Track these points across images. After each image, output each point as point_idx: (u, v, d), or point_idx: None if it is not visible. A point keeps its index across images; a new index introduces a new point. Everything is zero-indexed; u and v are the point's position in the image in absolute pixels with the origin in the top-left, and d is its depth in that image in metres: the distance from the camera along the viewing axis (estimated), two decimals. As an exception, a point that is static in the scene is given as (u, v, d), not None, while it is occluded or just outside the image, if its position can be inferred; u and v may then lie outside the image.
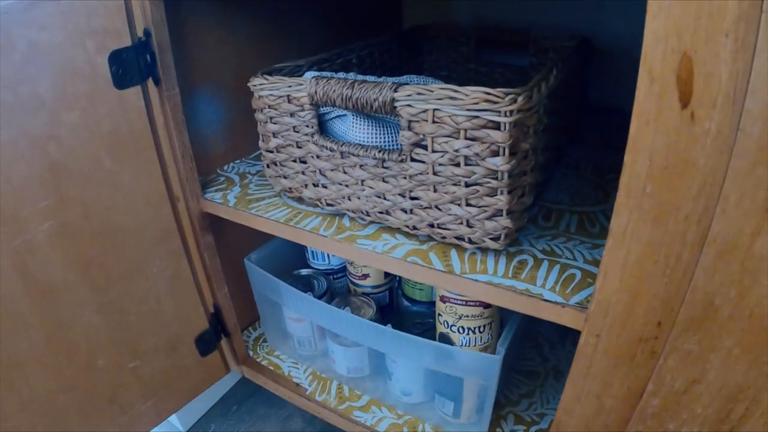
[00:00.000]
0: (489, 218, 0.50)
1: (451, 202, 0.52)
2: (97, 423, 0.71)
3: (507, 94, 0.44)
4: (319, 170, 0.62)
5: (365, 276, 0.84)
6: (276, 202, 0.71)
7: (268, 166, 0.69)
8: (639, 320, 0.43)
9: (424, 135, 0.49)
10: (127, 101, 0.62)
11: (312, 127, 0.58)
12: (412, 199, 0.55)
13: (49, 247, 0.59)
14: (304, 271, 0.89)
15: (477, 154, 0.47)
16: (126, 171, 0.65)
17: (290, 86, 0.57)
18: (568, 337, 0.91)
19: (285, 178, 0.67)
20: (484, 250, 0.57)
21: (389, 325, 0.68)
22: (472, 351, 0.66)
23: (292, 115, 0.60)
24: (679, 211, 0.37)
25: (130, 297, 0.69)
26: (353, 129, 0.56)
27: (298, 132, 0.61)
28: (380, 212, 0.59)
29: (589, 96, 0.96)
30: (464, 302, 0.63)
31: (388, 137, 0.55)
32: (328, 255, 0.88)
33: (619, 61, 0.89)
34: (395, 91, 0.48)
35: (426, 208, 0.54)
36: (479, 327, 0.65)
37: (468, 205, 0.51)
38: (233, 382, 1.07)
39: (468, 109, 0.45)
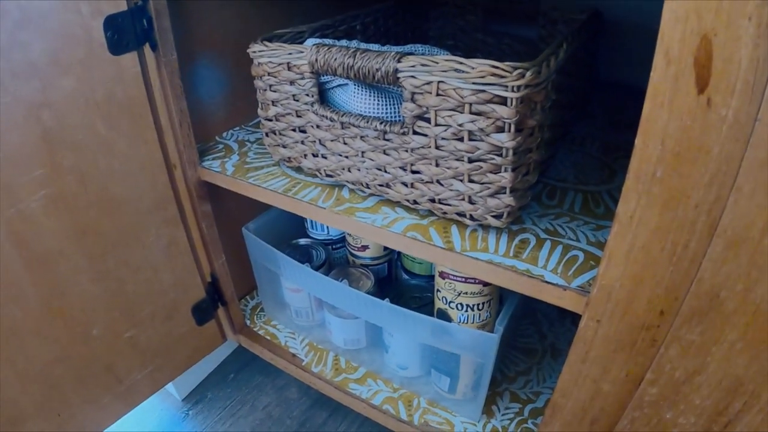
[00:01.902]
0: (492, 195, 0.49)
1: (454, 178, 0.50)
2: (94, 392, 0.71)
3: (515, 68, 0.42)
4: (319, 140, 0.60)
5: (364, 247, 0.83)
6: (274, 172, 0.70)
7: (267, 135, 0.67)
8: (642, 307, 0.42)
9: (427, 108, 0.48)
10: (122, 67, 0.60)
11: (312, 96, 0.56)
12: (414, 172, 0.53)
13: (44, 216, 0.58)
14: (302, 241, 0.88)
15: (481, 130, 0.45)
16: (122, 138, 0.63)
17: (290, 53, 0.55)
18: (567, 315, 0.90)
19: (284, 147, 0.65)
20: (486, 228, 0.55)
21: (387, 299, 0.68)
22: (470, 328, 0.65)
23: (291, 83, 0.58)
24: (689, 199, 0.36)
25: (126, 265, 0.69)
26: (354, 99, 0.54)
27: (297, 101, 0.59)
28: (380, 185, 0.58)
29: (598, 71, 0.93)
30: (464, 279, 0.62)
31: (391, 108, 0.53)
32: (327, 225, 0.87)
33: (630, 36, 0.86)
34: (398, 61, 0.46)
35: (427, 182, 0.53)
36: (478, 304, 0.64)
37: (470, 181, 0.49)
38: (230, 350, 1.08)
39: (474, 83, 0.43)
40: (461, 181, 0.50)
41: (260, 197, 0.67)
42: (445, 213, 0.54)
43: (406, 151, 0.52)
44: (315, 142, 0.60)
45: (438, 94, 0.46)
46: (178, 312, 0.78)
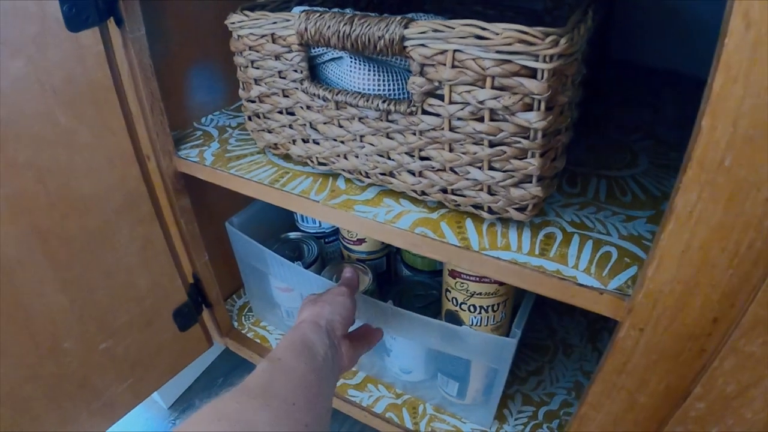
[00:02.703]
0: (516, 185, 0.42)
1: (470, 165, 0.43)
2: (70, 410, 0.64)
3: (547, 34, 0.35)
4: (310, 123, 0.53)
5: (360, 241, 0.76)
6: (259, 160, 0.62)
7: (249, 119, 0.59)
8: (692, 315, 0.37)
9: (440, 82, 0.40)
10: (83, 46, 0.53)
11: (301, 72, 0.49)
12: (422, 159, 0.46)
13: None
14: (292, 235, 0.81)
15: (506, 108, 0.38)
16: (85, 128, 0.55)
17: (275, 23, 0.47)
18: (576, 306, 0.85)
19: (269, 132, 0.58)
20: (505, 221, 0.49)
21: (390, 301, 0.61)
22: (485, 333, 0.59)
23: (277, 57, 0.50)
24: (759, 191, 0.30)
25: (97, 271, 0.62)
26: (351, 74, 0.46)
27: (284, 78, 0.51)
28: (382, 174, 0.50)
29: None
30: (477, 278, 0.56)
31: (394, 84, 0.46)
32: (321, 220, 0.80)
33: (640, 13, 0.80)
34: (406, 27, 0.39)
35: (439, 170, 0.46)
36: (492, 305, 0.58)
37: (491, 168, 0.42)
38: (217, 352, 1.01)
39: (498, 52, 0.36)
40: (480, 168, 0.43)
41: (244, 190, 0.60)
42: (458, 205, 0.47)
43: (414, 134, 0.45)
44: (305, 125, 0.53)
45: (454, 66, 0.39)
46: (158, 318, 0.71)
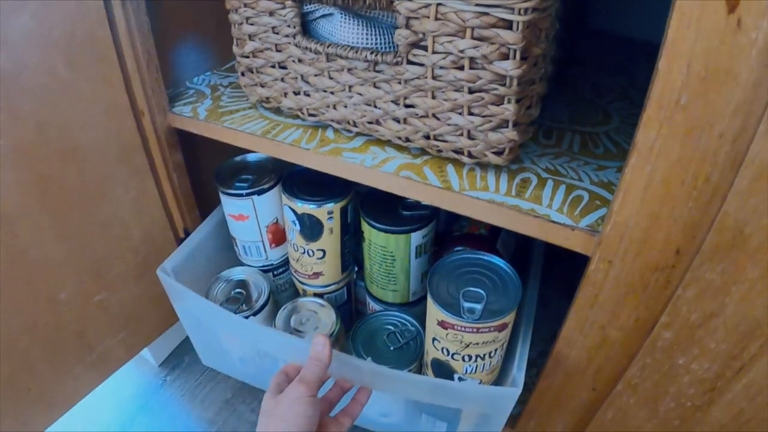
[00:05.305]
0: (493, 129, 0.45)
1: (452, 111, 0.46)
2: (65, 362, 0.66)
3: (522, -13, 0.38)
4: (301, 76, 0.55)
5: (317, 274, 0.70)
6: (251, 114, 0.65)
7: (243, 74, 0.62)
8: (657, 247, 0.40)
9: (424, 34, 0.43)
10: (83, 2, 0.54)
11: (294, 27, 0.51)
12: (407, 107, 0.49)
13: (2, 169, 0.52)
14: (236, 272, 0.73)
15: (485, 56, 0.41)
16: (84, 81, 0.57)
17: (269, -21, 0.50)
18: (555, 268, 0.88)
19: (262, 86, 0.60)
20: (484, 166, 0.52)
21: (369, 358, 0.59)
22: (484, 386, 0.56)
23: (271, 14, 0.52)
24: (713, 128, 0.33)
25: (93, 222, 0.63)
26: (341, 29, 0.49)
27: (277, 33, 0.54)
28: (369, 122, 0.53)
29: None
30: (474, 330, 0.50)
31: (381, 38, 0.48)
32: (264, 248, 0.74)
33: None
34: (393, -19, 0.42)
35: (422, 117, 0.49)
36: (489, 352, 0.53)
37: (470, 114, 0.46)
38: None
39: (477, 5, 0.39)
40: (460, 114, 0.46)
41: (237, 142, 0.62)
42: (440, 151, 0.51)
43: (399, 82, 0.48)
44: (297, 78, 0.56)
45: (437, 18, 0.42)
46: (150, 271, 0.73)
